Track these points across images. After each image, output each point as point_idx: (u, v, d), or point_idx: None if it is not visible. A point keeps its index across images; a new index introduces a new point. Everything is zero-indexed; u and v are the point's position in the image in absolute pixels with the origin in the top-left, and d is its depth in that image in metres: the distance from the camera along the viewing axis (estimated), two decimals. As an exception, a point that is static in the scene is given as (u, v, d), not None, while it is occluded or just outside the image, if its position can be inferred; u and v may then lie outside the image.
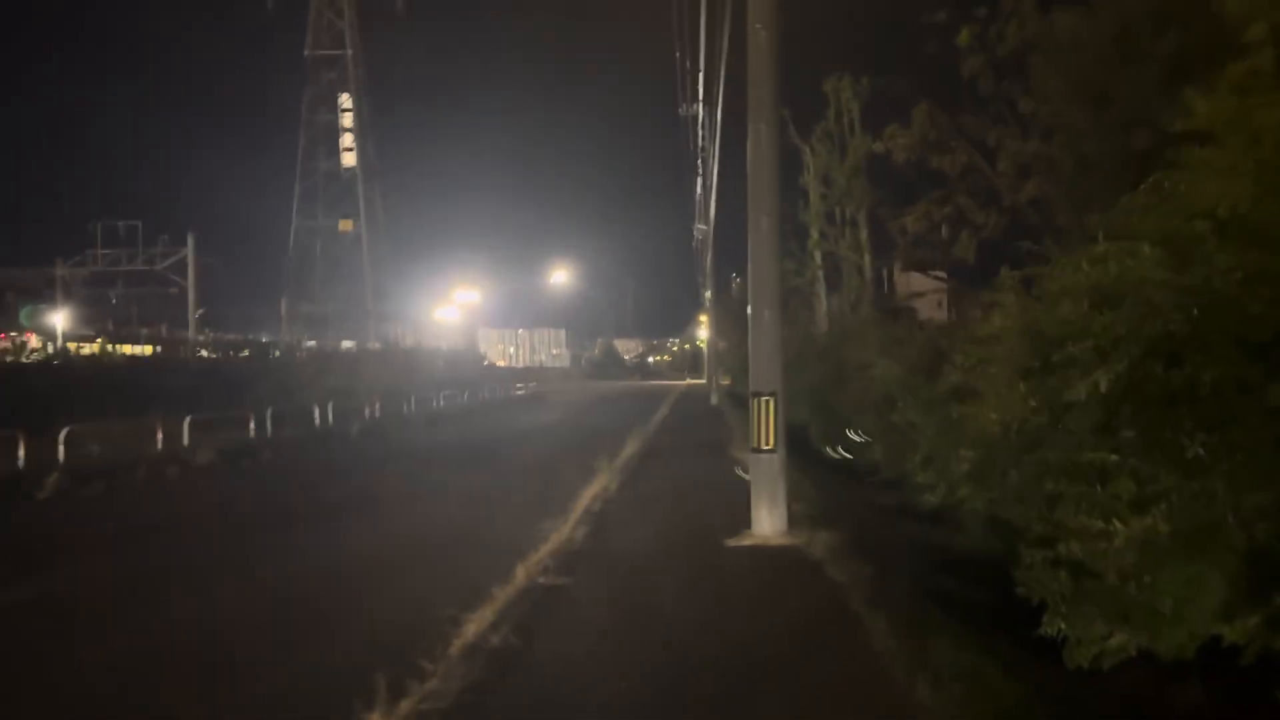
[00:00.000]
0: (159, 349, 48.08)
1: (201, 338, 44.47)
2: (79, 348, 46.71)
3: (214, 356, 43.99)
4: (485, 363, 72.17)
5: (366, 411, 25.92)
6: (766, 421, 8.13)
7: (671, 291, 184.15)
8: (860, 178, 30.51)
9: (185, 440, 17.70)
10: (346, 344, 47.66)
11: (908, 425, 9.85)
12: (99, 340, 47.85)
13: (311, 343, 41.65)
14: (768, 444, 8.21)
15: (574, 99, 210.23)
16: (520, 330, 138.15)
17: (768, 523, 8.29)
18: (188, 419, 18.06)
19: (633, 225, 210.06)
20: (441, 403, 32.00)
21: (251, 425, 19.92)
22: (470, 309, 72.18)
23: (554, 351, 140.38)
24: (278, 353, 39.29)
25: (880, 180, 30.96)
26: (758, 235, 8.29)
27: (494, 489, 14.65)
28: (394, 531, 10.72)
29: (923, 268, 24.01)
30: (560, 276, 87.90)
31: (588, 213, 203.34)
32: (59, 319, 49.19)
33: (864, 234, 30.42)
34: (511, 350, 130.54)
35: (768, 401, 8.16)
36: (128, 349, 50.26)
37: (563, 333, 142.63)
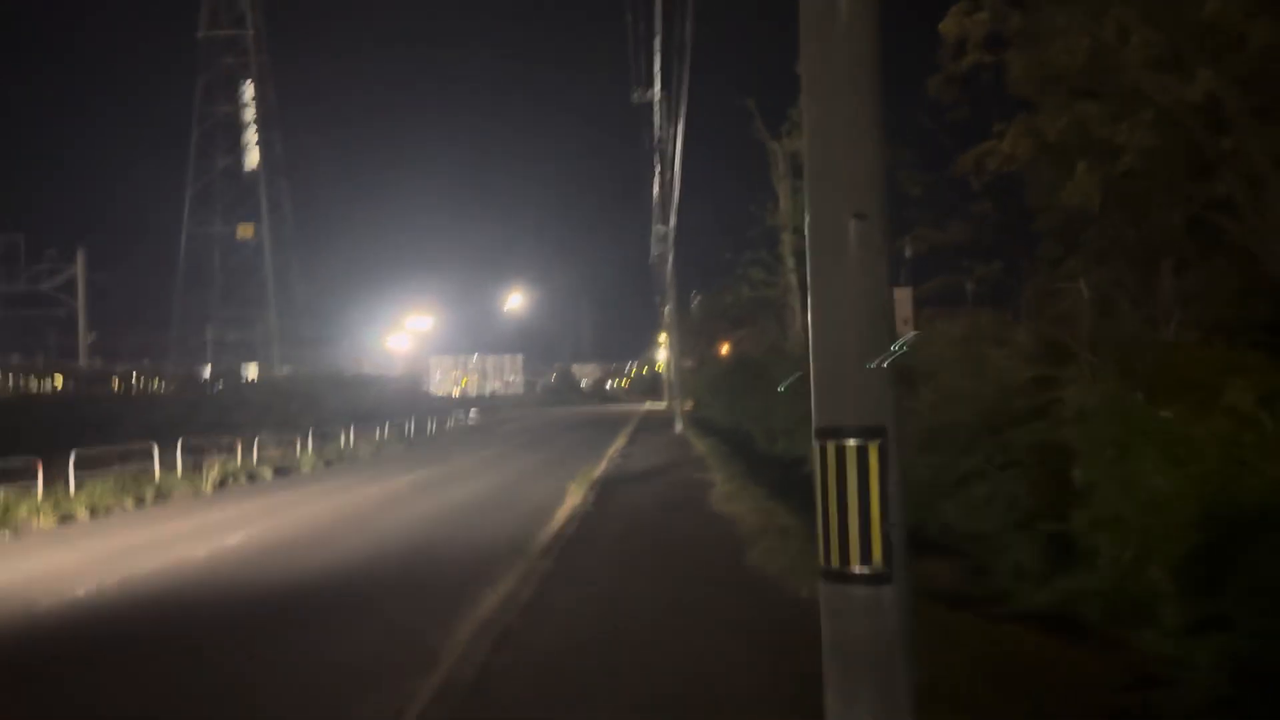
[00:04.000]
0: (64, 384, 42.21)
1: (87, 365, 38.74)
2: None
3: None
4: (428, 390, 66.89)
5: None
6: (856, 499, 3.15)
7: (629, 315, 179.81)
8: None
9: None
10: (250, 371, 42.11)
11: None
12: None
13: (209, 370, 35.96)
14: (864, 561, 3.20)
15: (529, 110, 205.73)
16: (474, 356, 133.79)
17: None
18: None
19: (589, 249, 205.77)
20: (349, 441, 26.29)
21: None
22: (421, 335, 67.61)
23: (509, 378, 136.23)
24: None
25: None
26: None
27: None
28: None
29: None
30: (515, 300, 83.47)
31: (543, 234, 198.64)
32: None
33: (853, 228, 25.98)
34: (467, 377, 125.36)
35: (861, 450, 3.14)
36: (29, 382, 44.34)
37: (519, 358, 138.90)
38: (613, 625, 6.22)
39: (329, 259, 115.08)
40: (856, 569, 3.21)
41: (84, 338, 41.25)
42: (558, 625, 6.23)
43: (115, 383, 30.43)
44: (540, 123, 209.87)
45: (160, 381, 26.92)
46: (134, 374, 32.58)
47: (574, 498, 13.53)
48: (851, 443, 3.19)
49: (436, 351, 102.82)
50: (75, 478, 15.31)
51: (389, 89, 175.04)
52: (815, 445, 3.34)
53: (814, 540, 8.11)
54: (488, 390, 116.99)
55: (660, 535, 9.84)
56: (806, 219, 3.47)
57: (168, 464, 18.08)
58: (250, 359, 49.45)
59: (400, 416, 34.47)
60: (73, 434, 20.89)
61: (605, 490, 14.64)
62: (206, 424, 23.44)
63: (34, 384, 40.70)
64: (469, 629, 6.44)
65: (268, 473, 20.58)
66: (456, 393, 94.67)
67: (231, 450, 20.86)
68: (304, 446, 22.98)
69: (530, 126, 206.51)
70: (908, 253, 26.87)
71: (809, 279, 3.43)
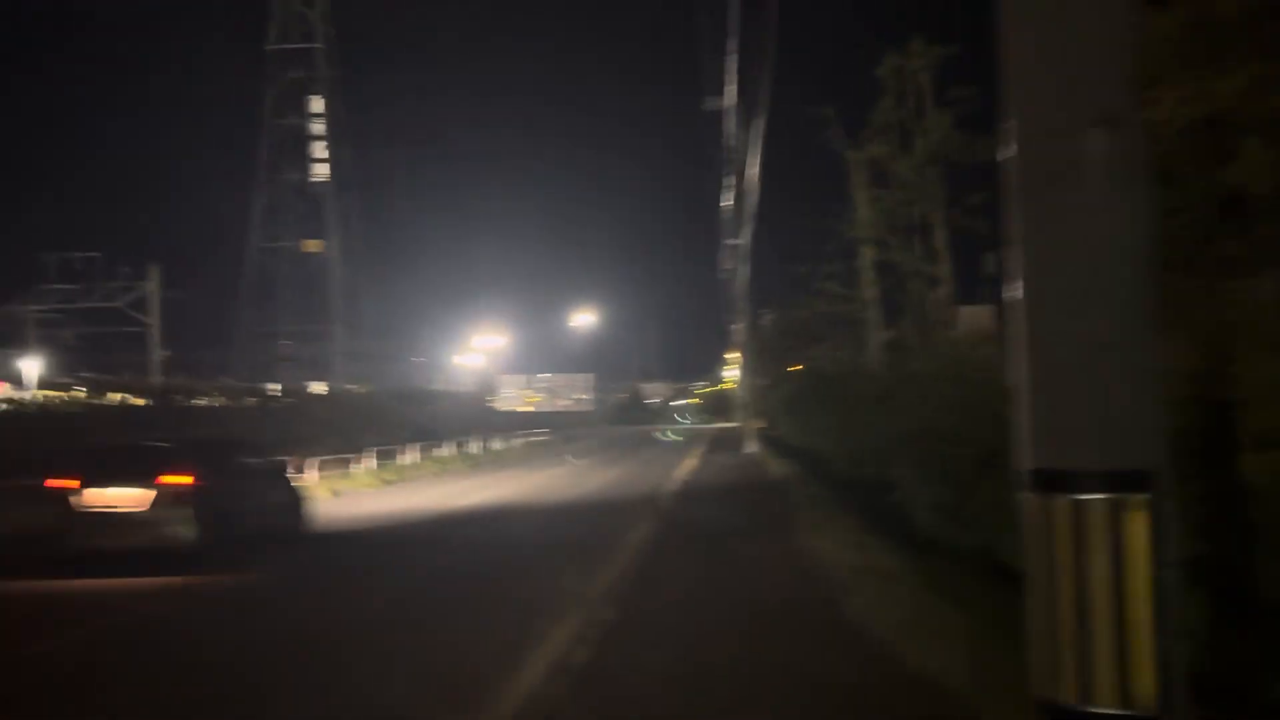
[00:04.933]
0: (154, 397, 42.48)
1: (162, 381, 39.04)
2: (64, 395, 41.59)
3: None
4: (494, 406, 66.61)
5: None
6: (1107, 592, 1.79)
7: (696, 335, 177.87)
8: (935, 168, 24.58)
9: None
10: (318, 387, 41.94)
11: None
12: (78, 388, 42.62)
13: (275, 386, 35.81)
14: (1122, 700, 1.77)
15: (601, 124, 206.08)
16: (543, 375, 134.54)
17: None
18: None
19: (658, 267, 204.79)
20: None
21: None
22: (492, 353, 67.96)
23: (578, 396, 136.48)
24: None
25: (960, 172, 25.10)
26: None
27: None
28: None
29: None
30: (584, 319, 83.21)
31: (612, 253, 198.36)
32: (31, 364, 44.13)
33: (941, 239, 24.40)
34: (537, 395, 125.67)
35: (1114, 511, 1.75)
36: (116, 397, 44.89)
37: (588, 377, 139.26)
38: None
39: (398, 275, 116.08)
40: (1107, 709, 1.95)
41: (156, 354, 41.49)
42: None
43: (182, 398, 30.53)
44: (611, 137, 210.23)
45: (217, 397, 26.83)
46: (198, 390, 32.78)
47: (644, 526, 12.31)
48: (1097, 499, 1.94)
49: (507, 369, 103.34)
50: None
51: (460, 104, 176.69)
52: (1026, 499, 2.11)
53: (926, 589, 6.76)
54: (557, 408, 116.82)
55: (742, 575, 8.55)
56: (1008, 149, 2.21)
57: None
58: (317, 375, 49.54)
59: (467, 434, 33.98)
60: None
61: (677, 514, 13.37)
62: (268, 440, 22.93)
63: (112, 398, 41.30)
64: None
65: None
66: (524, 409, 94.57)
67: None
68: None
69: (602, 141, 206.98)
70: (989, 268, 25.27)
71: (1012, 234, 2.19)
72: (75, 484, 10.57)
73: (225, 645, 6.96)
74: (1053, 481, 2.00)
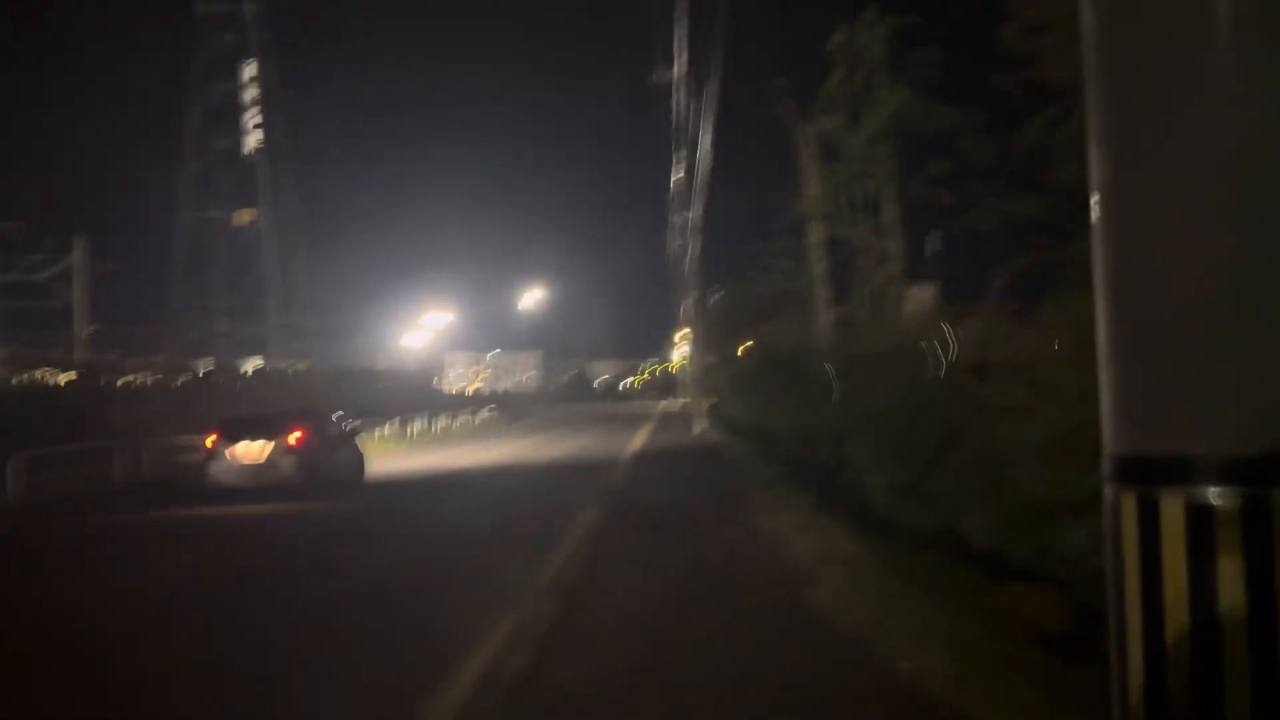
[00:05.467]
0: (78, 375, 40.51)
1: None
2: None
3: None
4: (439, 386, 65.33)
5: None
6: (1243, 615, 1.18)
7: (644, 314, 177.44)
8: (886, 143, 24.21)
9: None
10: (253, 364, 40.51)
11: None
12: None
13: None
14: None
15: (546, 99, 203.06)
16: (491, 353, 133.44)
17: None
18: None
19: (605, 246, 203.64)
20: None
21: None
22: (437, 332, 66.95)
23: (524, 375, 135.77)
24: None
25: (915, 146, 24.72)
26: None
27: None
28: None
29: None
30: (532, 298, 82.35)
31: (560, 231, 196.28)
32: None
33: (891, 214, 24.09)
34: (484, 374, 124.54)
35: (1254, 511, 1.10)
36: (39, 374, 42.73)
37: (535, 355, 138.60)
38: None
39: (338, 251, 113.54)
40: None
41: (82, 329, 39.75)
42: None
43: (108, 378, 28.99)
44: (557, 113, 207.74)
45: (147, 376, 25.49)
46: (124, 368, 31.23)
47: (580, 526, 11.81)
48: (1221, 496, 1.41)
49: (452, 348, 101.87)
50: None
51: (401, 75, 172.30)
52: (1111, 492, 1.57)
53: (893, 575, 6.32)
54: (502, 387, 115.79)
55: (700, 559, 8.04)
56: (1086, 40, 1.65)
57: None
58: (254, 353, 47.96)
59: (411, 412, 33.21)
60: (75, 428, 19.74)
61: (625, 500, 12.80)
62: (204, 418, 21.89)
63: (41, 378, 39.34)
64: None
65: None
66: (471, 389, 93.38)
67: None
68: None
69: (547, 117, 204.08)
70: (929, 248, 25.02)
71: (1092, 153, 1.63)
72: (219, 440, 15.17)
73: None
74: (1152, 471, 1.48)
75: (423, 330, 64.09)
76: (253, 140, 55.54)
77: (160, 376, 24.80)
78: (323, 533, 11.63)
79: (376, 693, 4.90)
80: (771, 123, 30.96)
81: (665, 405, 67.18)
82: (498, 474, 19.12)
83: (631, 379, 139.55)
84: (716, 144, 30.65)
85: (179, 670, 5.50)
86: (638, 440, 27.57)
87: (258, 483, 14.58)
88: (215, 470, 15.00)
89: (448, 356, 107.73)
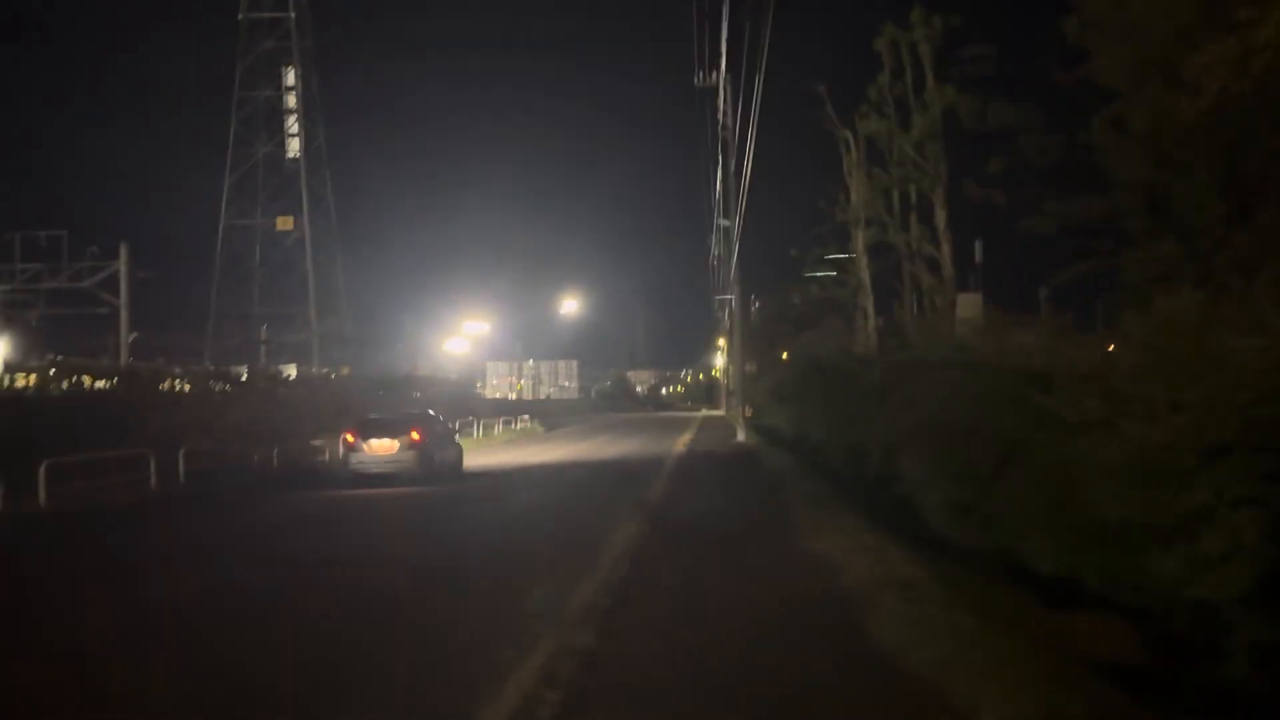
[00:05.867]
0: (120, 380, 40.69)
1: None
2: (29, 378, 39.86)
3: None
4: (480, 393, 65.22)
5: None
6: None
7: (683, 321, 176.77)
8: (936, 143, 23.48)
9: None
10: (291, 370, 40.44)
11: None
12: (51, 370, 40.77)
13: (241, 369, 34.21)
14: None
15: (587, 108, 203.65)
16: (529, 362, 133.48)
17: None
18: None
19: (645, 254, 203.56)
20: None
21: None
22: (477, 340, 67.06)
23: (564, 383, 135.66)
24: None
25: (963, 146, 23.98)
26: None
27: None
28: None
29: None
30: (570, 305, 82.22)
31: (599, 239, 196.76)
32: (-2, 345, 42.45)
33: (943, 217, 23.33)
34: (522, 382, 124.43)
35: None
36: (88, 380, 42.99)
37: (574, 364, 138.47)
38: None
39: (378, 258, 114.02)
40: None
41: (126, 336, 40.00)
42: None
43: (151, 383, 29.09)
44: (600, 121, 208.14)
45: (183, 383, 25.43)
46: (164, 373, 31.26)
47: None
48: None
49: (492, 356, 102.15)
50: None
51: (443, 83, 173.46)
52: None
53: (958, 607, 5.70)
54: (542, 394, 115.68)
55: (742, 587, 7.44)
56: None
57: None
58: (294, 359, 48.03)
59: (454, 418, 33.03)
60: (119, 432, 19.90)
61: (659, 527, 12.10)
62: (232, 426, 21.75)
63: (87, 383, 39.61)
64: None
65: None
66: (513, 397, 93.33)
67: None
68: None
69: (590, 124, 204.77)
70: (977, 255, 24.06)
71: None
72: (357, 437, 18.55)
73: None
74: None
75: (462, 339, 64.11)
76: (294, 146, 56.06)
77: (195, 384, 24.69)
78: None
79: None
80: (815, 128, 30.24)
81: (705, 413, 66.49)
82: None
83: (671, 387, 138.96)
84: (759, 153, 30.03)
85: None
86: (681, 443, 30.20)
87: (387, 471, 18.11)
88: (355, 461, 18.48)
89: (488, 365, 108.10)
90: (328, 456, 22.28)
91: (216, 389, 24.63)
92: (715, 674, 5.01)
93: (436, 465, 18.76)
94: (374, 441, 18.32)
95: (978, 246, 33.09)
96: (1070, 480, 8.68)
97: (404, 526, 13.30)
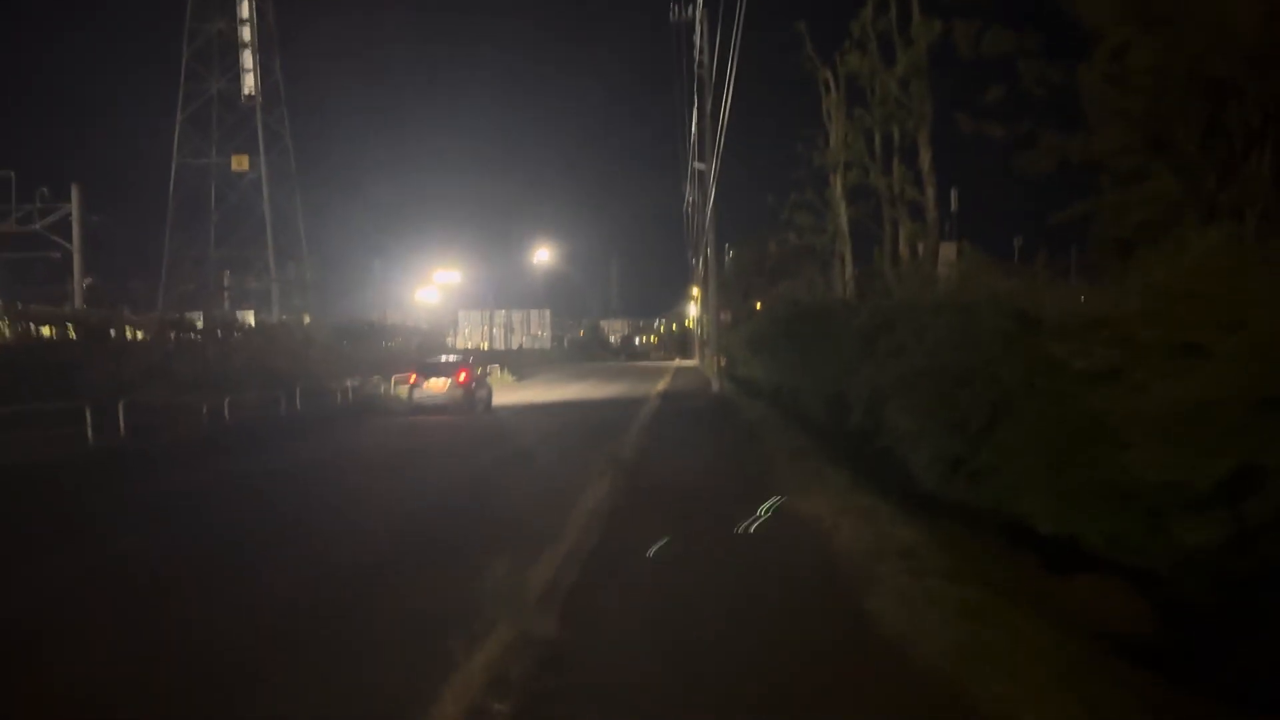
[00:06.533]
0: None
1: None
2: None
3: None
4: (448, 342, 63.94)
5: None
6: None
7: (657, 271, 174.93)
8: (922, 80, 22.54)
9: None
10: (247, 318, 39.14)
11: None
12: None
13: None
14: None
15: (559, 46, 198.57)
16: (501, 311, 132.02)
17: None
18: None
19: (618, 202, 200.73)
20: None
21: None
22: (449, 289, 65.93)
23: (537, 333, 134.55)
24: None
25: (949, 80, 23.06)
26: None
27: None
28: None
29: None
30: (543, 254, 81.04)
31: (572, 186, 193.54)
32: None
33: (927, 159, 22.49)
34: (495, 330, 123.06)
35: None
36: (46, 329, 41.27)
37: (546, 314, 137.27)
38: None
39: (345, 204, 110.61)
40: None
41: (80, 281, 38.50)
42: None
43: (99, 331, 27.65)
44: (572, 59, 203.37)
45: (134, 331, 24.19)
46: (115, 322, 29.61)
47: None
48: None
49: (464, 306, 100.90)
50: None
51: (409, 18, 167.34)
52: None
53: (966, 579, 5.04)
54: (514, 344, 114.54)
55: (724, 564, 6.74)
56: None
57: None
58: (255, 306, 46.52)
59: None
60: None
61: (633, 489, 11.38)
62: (186, 376, 20.73)
63: (41, 331, 38.06)
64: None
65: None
66: (485, 346, 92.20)
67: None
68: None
69: (562, 64, 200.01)
70: (953, 203, 23.08)
71: None
72: (416, 378, 23.45)
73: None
74: None
75: (433, 288, 62.86)
76: (249, 82, 53.46)
77: (147, 333, 23.55)
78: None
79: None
80: (794, 71, 29.06)
81: (679, 363, 65.88)
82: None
83: (645, 336, 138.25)
84: (737, 93, 28.96)
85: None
86: (655, 392, 31.36)
87: (439, 404, 22.75)
88: (416, 396, 23.28)
89: (460, 314, 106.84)
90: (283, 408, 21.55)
91: (171, 337, 23.58)
92: (691, 669, 4.32)
93: (475, 401, 23.43)
94: (431, 380, 23.27)
95: (953, 195, 32.22)
96: (1077, 435, 8.06)
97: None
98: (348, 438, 18.04)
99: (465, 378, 23.09)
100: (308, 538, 8.24)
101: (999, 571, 6.32)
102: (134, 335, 23.47)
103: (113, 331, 23.78)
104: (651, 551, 6.58)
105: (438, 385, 22.89)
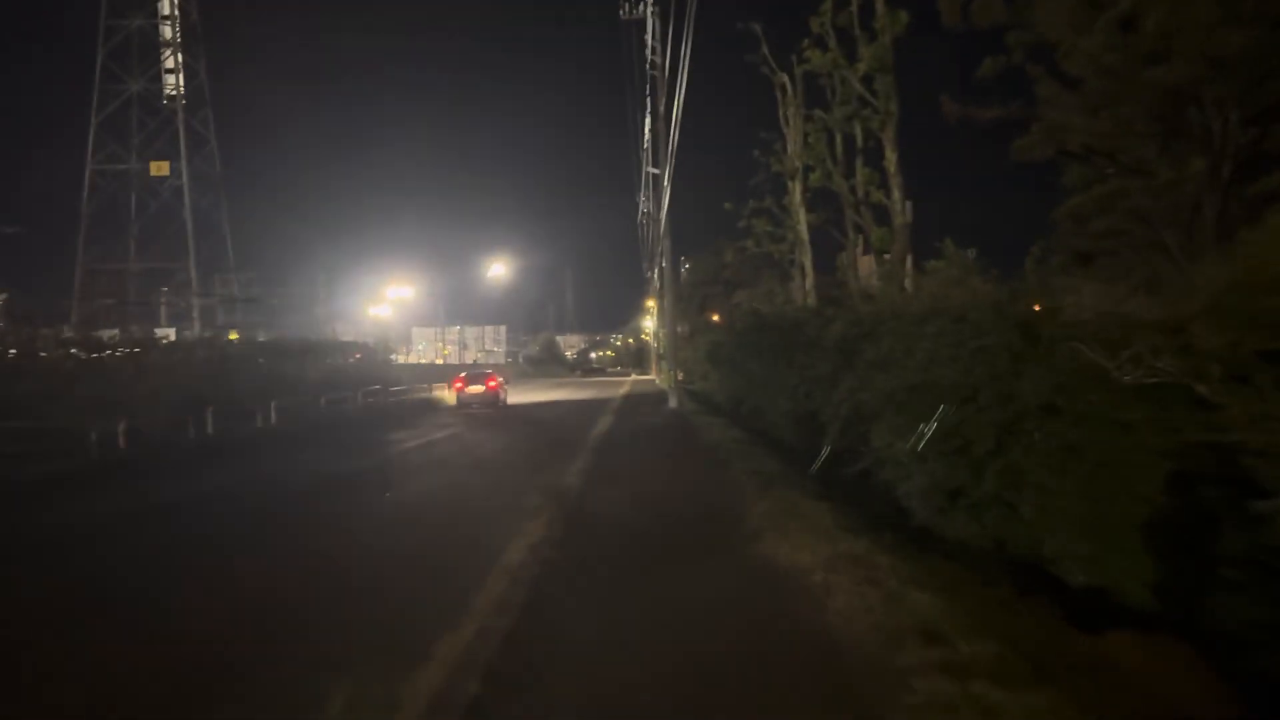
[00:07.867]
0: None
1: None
2: None
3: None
4: (392, 359, 61.53)
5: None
6: None
7: (612, 286, 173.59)
8: (888, 75, 21.24)
9: None
10: (167, 335, 36.78)
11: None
12: None
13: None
14: None
15: (511, 60, 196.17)
16: (456, 327, 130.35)
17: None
18: None
19: (573, 218, 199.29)
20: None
21: None
22: (402, 305, 64.38)
23: (492, 348, 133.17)
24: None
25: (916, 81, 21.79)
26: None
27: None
28: None
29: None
30: (498, 269, 79.67)
31: (525, 202, 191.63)
32: None
33: (893, 160, 21.15)
34: (449, 347, 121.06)
35: None
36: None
37: (502, 329, 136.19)
38: None
39: (292, 220, 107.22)
40: None
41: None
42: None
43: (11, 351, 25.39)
44: (523, 68, 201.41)
45: (31, 347, 22.19)
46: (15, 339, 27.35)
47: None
48: None
49: (418, 322, 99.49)
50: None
51: (354, 31, 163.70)
52: None
53: (1026, 678, 3.56)
54: (469, 360, 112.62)
55: (677, 648, 5.11)
56: None
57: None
58: (178, 323, 43.77)
59: (353, 390, 30.42)
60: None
61: (575, 529, 9.80)
62: (87, 398, 18.70)
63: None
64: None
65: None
66: (440, 361, 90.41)
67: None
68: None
69: (512, 74, 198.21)
70: (909, 214, 21.93)
71: None
72: (463, 383, 33.20)
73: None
74: None
75: (385, 304, 61.17)
76: (171, 82, 50.50)
77: (51, 352, 21.44)
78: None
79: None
80: (750, 74, 27.63)
81: (635, 377, 64.38)
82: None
83: (601, 352, 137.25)
84: (692, 93, 27.54)
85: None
86: (611, 406, 31.00)
87: (478, 403, 31.48)
88: (463, 396, 31.96)
89: (414, 330, 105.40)
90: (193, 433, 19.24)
91: (73, 355, 21.50)
92: None
93: (499, 399, 32.49)
94: (472, 386, 32.48)
95: (907, 206, 30.89)
96: (1120, 464, 6.58)
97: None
98: (249, 469, 15.31)
99: (494, 384, 33.06)
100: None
101: (1034, 636, 4.77)
102: (31, 355, 21.38)
103: (11, 351, 21.68)
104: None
105: (476, 389, 32.37)
